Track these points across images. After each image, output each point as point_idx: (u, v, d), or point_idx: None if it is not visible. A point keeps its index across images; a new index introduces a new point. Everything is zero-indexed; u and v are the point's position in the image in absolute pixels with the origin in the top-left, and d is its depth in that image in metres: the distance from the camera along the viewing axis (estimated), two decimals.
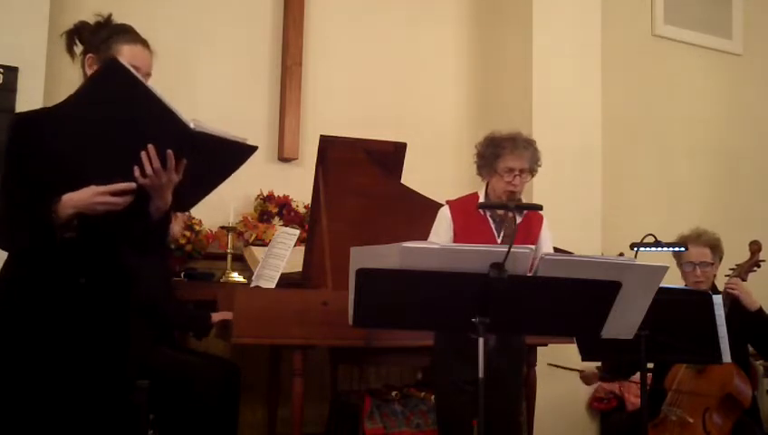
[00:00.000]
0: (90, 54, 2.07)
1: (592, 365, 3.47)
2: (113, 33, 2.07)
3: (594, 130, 4.97)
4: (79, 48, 2.11)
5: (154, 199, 1.93)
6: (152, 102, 1.81)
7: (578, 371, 3.53)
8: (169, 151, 1.85)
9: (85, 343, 2.03)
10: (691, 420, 3.14)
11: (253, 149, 1.95)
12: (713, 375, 3.17)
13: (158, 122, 1.83)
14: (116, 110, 1.83)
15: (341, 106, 4.82)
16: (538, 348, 4.05)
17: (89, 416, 2.02)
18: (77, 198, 1.89)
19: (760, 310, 3.22)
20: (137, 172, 1.86)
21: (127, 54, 2.02)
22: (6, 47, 3.67)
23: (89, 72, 2.05)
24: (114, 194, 1.89)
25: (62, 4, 3.89)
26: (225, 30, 4.65)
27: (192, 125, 1.83)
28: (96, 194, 1.88)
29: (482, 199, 3.02)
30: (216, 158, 1.94)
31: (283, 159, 4.68)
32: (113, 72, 1.82)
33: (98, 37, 2.06)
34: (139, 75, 1.84)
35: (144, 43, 2.09)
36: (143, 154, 1.85)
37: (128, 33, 2.08)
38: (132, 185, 1.89)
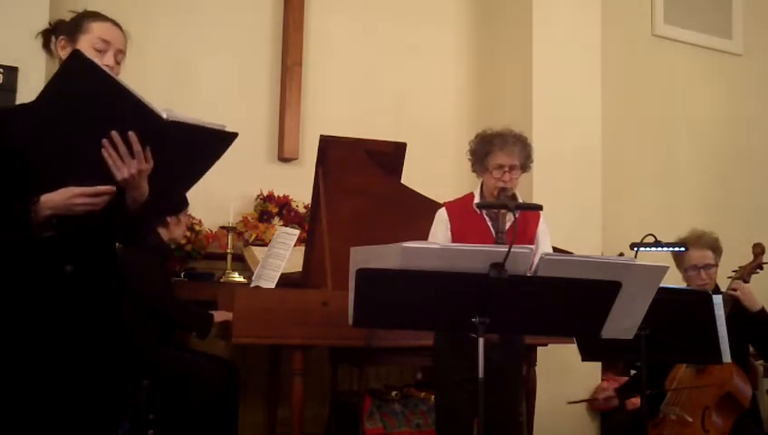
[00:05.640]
0: (61, 37, 2.05)
1: (609, 388, 3.63)
2: (83, 15, 2.07)
3: (594, 129, 4.96)
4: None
5: (128, 191, 1.91)
6: (121, 94, 1.79)
7: (595, 399, 3.58)
8: (133, 136, 1.82)
9: (73, 336, 1.99)
10: (690, 419, 3.14)
11: (233, 135, 1.93)
12: (712, 374, 3.17)
13: (130, 114, 1.81)
14: (85, 103, 1.80)
15: (342, 106, 4.82)
16: (538, 348, 4.07)
17: (76, 411, 1.99)
18: (55, 200, 1.87)
19: (762, 311, 3.22)
20: (116, 173, 1.84)
21: (96, 30, 2.02)
22: (6, 47, 3.67)
23: (62, 55, 2.04)
24: (92, 195, 1.88)
25: (62, 5, 3.89)
26: (226, 30, 4.65)
27: (165, 115, 1.81)
28: (74, 196, 1.88)
29: (477, 198, 3.02)
30: (196, 146, 1.92)
31: (283, 159, 4.68)
32: (78, 65, 1.79)
33: (68, 25, 2.06)
34: (106, 68, 1.82)
35: (115, 22, 2.08)
36: (105, 142, 1.82)
37: (97, 15, 2.08)
38: (112, 188, 1.88)
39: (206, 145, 1.94)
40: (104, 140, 1.83)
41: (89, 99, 1.80)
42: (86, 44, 2.01)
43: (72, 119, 1.82)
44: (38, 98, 1.86)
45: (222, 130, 1.91)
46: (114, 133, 1.83)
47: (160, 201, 2.01)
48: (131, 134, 1.83)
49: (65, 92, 1.82)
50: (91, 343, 2.03)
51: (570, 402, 3.88)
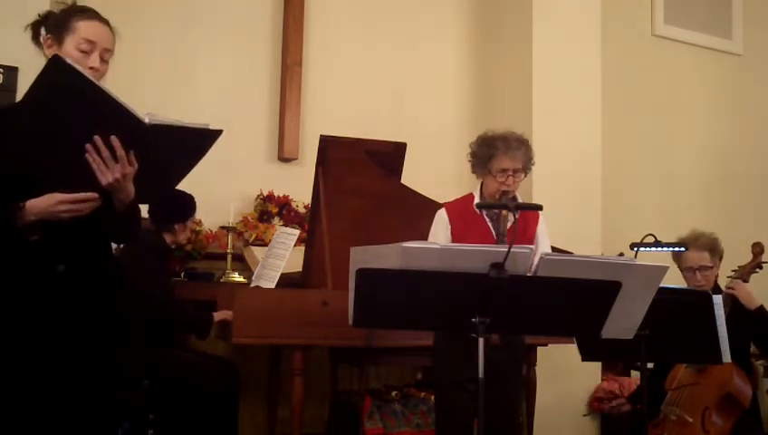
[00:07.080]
0: (48, 36, 2.05)
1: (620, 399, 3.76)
2: (71, 12, 2.06)
3: (594, 130, 4.96)
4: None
5: (114, 193, 1.92)
6: (102, 99, 1.79)
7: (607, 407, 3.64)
8: (115, 140, 1.83)
9: (69, 334, 1.98)
10: (690, 420, 3.14)
11: (216, 133, 1.94)
12: (712, 374, 3.17)
13: (112, 119, 1.82)
14: (66, 109, 1.81)
15: (341, 106, 4.82)
16: (538, 348, 4.07)
17: (76, 411, 1.99)
18: (40, 206, 1.88)
19: (760, 308, 3.21)
20: (100, 178, 1.85)
21: (82, 30, 2.02)
22: (6, 47, 3.66)
23: (48, 53, 2.03)
24: (76, 201, 1.89)
25: (62, 5, 3.89)
26: (226, 30, 4.65)
27: (147, 120, 1.82)
28: (58, 202, 1.88)
29: (477, 198, 3.01)
30: (180, 147, 1.93)
31: (283, 159, 4.68)
32: (57, 70, 1.79)
33: (57, 20, 2.05)
34: (86, 73, 1.82)
35: (102, 20, 2.07)
36: (88, 146, 1.83)
37: (85, 12, 2.06)
38: (95, 195, 1.89)
39: (190, 144, 1.95)
40: (87, 145, 1.84)
41: (70, 104, 1.81)
42: (71, 46, 2.01)
43: (55, 124, 1.83)
44: (20, 103, 1.87)
45: (205, 129, 1.92)
46: (97, 138, 1.83)
47: (148, 200, 2.01)
48: (114, 138, 1.84)
49: (46, 98, 1.82)
50: (87, 342, 2.02)
51: (585, 415, 3.91)
